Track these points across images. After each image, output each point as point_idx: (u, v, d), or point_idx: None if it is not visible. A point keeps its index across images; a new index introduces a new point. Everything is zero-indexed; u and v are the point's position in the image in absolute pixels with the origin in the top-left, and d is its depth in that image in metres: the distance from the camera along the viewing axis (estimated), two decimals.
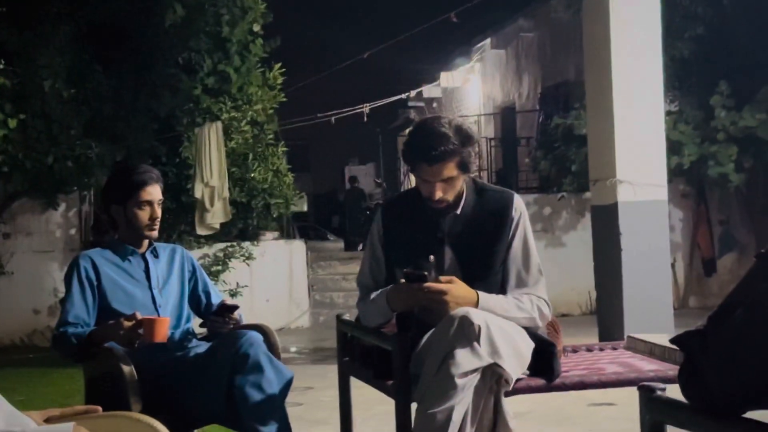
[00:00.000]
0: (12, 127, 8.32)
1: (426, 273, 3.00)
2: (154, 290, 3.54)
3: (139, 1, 9.49)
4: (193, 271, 3.72)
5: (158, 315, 3.48)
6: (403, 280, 3.06)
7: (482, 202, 3.24)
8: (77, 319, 3.39)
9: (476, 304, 3.01)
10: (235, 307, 3.52)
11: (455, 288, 3.00)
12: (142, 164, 4.21)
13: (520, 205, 3.24)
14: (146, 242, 3.61)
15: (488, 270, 3.17)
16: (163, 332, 3.23)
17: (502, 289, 3.17)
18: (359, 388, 3.63)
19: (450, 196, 3.16)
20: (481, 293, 3.06)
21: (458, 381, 2.74)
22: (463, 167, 3.13)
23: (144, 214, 3.52)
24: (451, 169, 3.10)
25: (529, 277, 3.19)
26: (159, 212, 3.56)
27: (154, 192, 3.55)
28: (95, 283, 3.46)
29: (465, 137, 3.12)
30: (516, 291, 3.16)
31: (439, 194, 3.12)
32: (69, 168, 8.94)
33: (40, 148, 8.74)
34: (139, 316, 3.25)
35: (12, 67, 8.45)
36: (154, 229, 3.57)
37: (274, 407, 3.17)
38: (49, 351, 4.10)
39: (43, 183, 9.32)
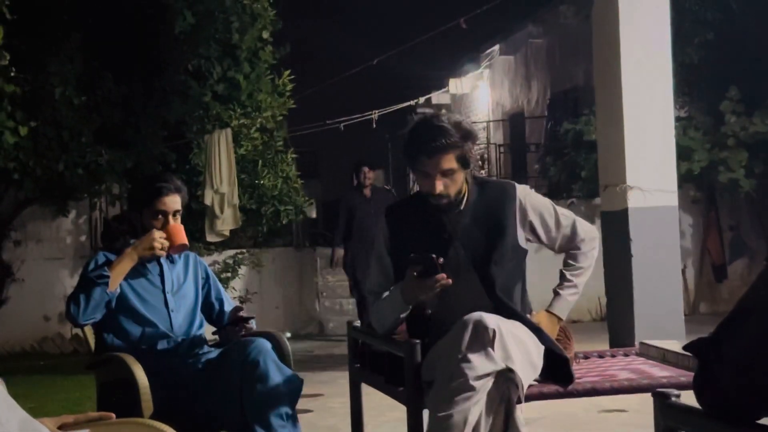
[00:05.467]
0: (23, 134, 8.36)
1: (434, 256, 2.96)
2: (168, 294, 3.54)
3: (149, 8, 9.53)
4: (206, 278, 3.73)
5: (170, 320, 3.49)
6: (415, 273, 3.02)
7: (485, 195, 3.26)
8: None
9: (560, 320, 3.27)
10: (250, 318, 3.52)
11: (543, 324, 3.17)
12: (166, 173, 4.20)
13: (522, 190, 3.30)
14: None
15: (500, 258, 3.18)
16: (181, 235, 3.49)
17: (521, 273, 3.26)
18: (370, 395, 3.62)
19: (451, 191, 3.15)
20: (554, 309, 3.29)
21: (473, 384, 2.74)
22: (463, 162, 3.13)
23: (156, 224, 3.53)
24: (450, 161, 3.10)
25: (565, 229, 3.33)
26: (173, 222, 3.55)
27: (170, 202, 3.54)
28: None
29: (465, 132, 3.14)
30: (567, 247, 3.35)
31: (439, 188, 3.11)
32: (79, 175, 8.97)
33: (51, 155, 8.77)
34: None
35: (23, 74, 8.48)
36: None
37: (283, 415, 3.17)
38: (60, 358, 4.12)
39: (54, 190, 9.35)
